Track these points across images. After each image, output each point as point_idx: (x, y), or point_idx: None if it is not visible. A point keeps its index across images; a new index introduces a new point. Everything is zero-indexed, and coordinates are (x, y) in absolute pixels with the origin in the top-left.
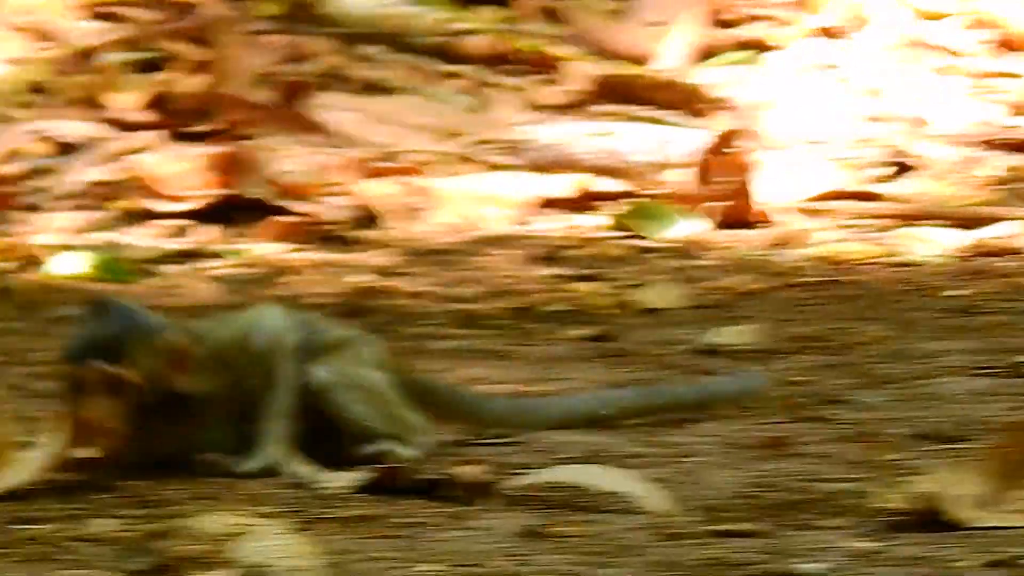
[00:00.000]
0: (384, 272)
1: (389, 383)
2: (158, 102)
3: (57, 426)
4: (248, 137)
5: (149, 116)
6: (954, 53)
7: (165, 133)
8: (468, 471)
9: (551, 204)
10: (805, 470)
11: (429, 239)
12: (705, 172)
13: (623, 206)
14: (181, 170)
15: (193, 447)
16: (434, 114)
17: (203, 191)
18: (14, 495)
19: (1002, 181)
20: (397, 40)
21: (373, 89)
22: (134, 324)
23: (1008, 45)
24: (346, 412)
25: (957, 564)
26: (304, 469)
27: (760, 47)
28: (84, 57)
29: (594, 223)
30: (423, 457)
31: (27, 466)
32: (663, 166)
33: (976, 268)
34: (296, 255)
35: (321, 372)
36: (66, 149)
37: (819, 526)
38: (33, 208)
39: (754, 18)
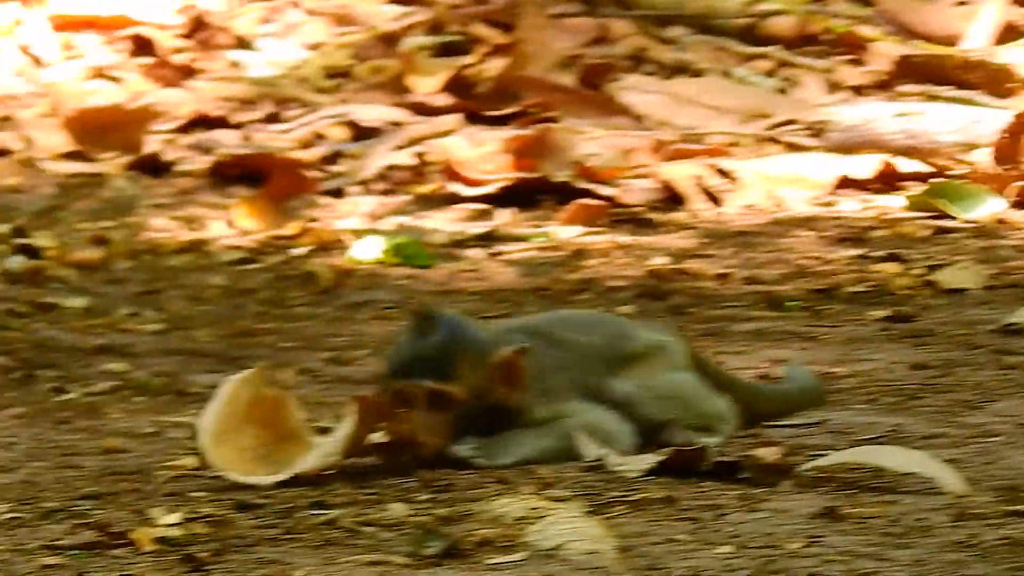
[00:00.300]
0: (687, 254)
1: (694, 382)
2: (460, 85)
3: (352, 412)
4: (551, 120)
5: (450, 100)
6: None
7: (467, 116)
8: (764, 453)
9: (855, 185)
10: None
11: (732, 221)
12: (1005, 152)
13: (926, 187)
14: (483, 153)
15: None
16: (738, 96)
17: (505, 174)
18: (310, 480)
19: None
20: (701, 22)
21: (677, 71)
22: (463, 339)
23: None
24: (652, 420)
25: None
26: (599, 451)
27: None
28: (385, 41)
29: (897, 204)
30: (723, 443)
31: (322, 451)
32: (970, 146)
33: None
34: (599, 238)
35: (625, 386)
36: (368, 133)
37: None
38: (335, 193)
39: None
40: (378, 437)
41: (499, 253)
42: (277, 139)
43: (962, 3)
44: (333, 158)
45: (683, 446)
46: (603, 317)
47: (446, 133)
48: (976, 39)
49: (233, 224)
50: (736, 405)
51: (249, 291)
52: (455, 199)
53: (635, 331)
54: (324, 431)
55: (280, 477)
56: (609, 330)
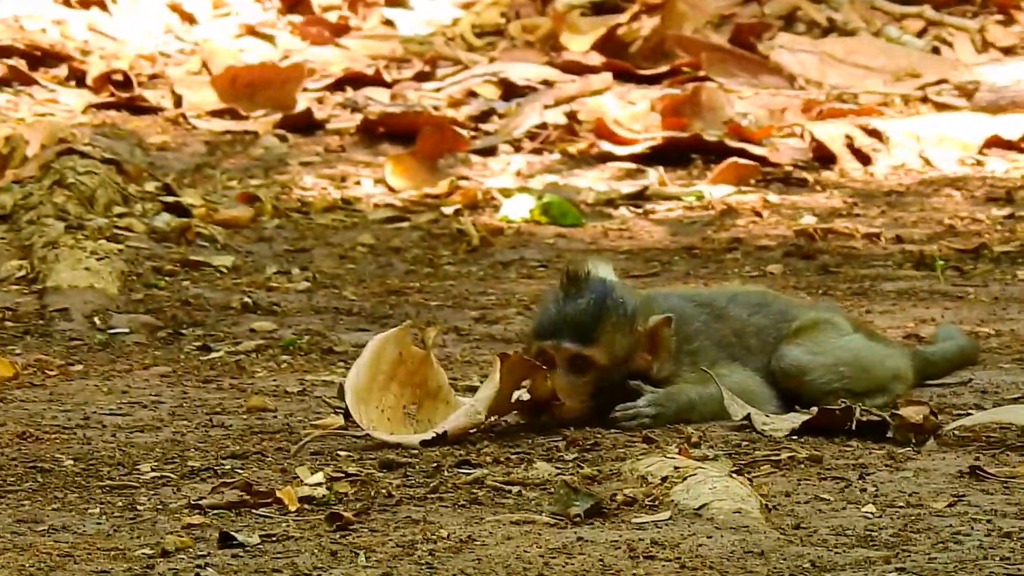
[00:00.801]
0: (836, 214)
1: (866, 344)
2: (611, 44)
3: (496, 370)
4: (702, 79)
5: (602, 58)
6: None
7: (618, 75)
8: (911, 412)
9: (1004, 145)
10: None
11: (882, 180)
12: None
13: None
14: (634, 112)
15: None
16: (889, 55)
17: (656, 133)
18: (456, 439)
19: None
20: None
21: (829, 30)
22: (609, 304)
23: None
24: (822, 389)
25: None
26: (746, 410)
27: None
28: (538, 0)
29: None
30: (888, 403)
31: (468, 410)
32: None
33: None
34: (748, 197)
35: (794, 352)
36: (519, 92)
37: None
38: (486, 151)
39: None
40: (521, 395)
41: (649, 212)
42: (428, 97)
43: None
44: (484, 116)
45: (832, 407)
46: (772, 298)
47: (597, 92)
48: None
49: (383, 182)
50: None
51: (398, 249)
52: (606, 158)
53: (802, 311)
54: (472, 389)
55: (426, 436)
56: (775, 310)
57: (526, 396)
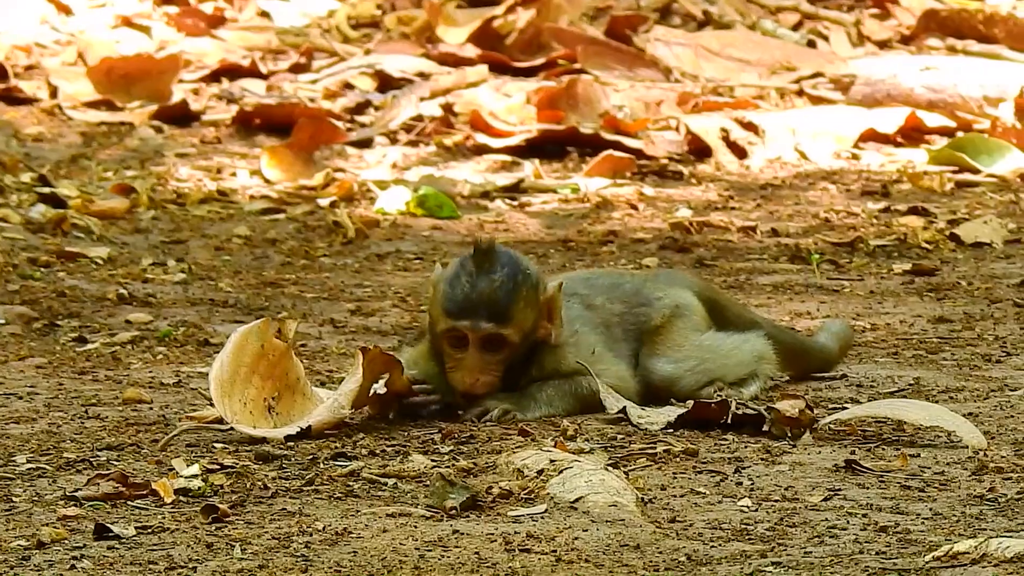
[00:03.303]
0: (711, 207)
1: (720, 338)
2: (487, 36)
3: (358, 364)
4: (579, 71)
5: (478, 50)
6: None
7: (494, 67)
8: (787, 406)
9: (879, 138)
10: None
11: (758, 174)
12: None
13: (951, 141)
14: (509, 105)
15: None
16: (765, 49)
17: (532, 126)
18: (322, 433)
19: None
20: None
21: (706, 23)
22: (521, 279)
23: None
24: (695, 393)
25: None
26: (622, 403)
27: None
28: None
29: (921, 158)
30: (757, 394)
31: (332, 404)
32: (994, 101)
33: None
34: (624, 190)
35: (662, 367)
36: (395, 84)
37: None
38: (362, 143)
39: None
40: (377, 389)
41: (524, 204)
42: (304, 89)
43: None
44: (360, 108)
45: (706, 399)
46: (624, 280)
47: (473, 84)
48: None
49: (259, 174)
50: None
51: (274, 241)
52: (481, 150)
53: (653, 295)
54: (341, 381)
55: (290, 431)
56: (629, 296)
57: (382, 390)
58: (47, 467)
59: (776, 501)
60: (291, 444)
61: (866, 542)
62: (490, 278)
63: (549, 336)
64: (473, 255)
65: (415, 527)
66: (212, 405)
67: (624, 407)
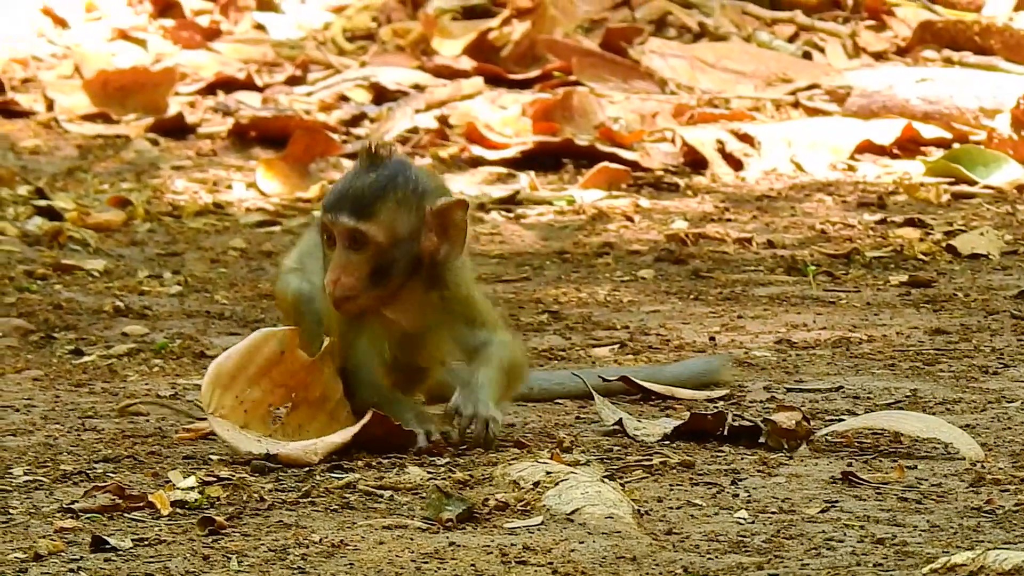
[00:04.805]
0: (707, 218)
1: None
2: (482, 49)
3: (364, 425)
4: (575, 83)
5: (473, 63)
6: None
7: (489, 80)
8: (784, 417)
9: (875, 150)
10: None
11: (754, 185)
12: (1021, 120)
13: (947, 152)
14: (505, 117)
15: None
16: (760, 60)
17: (527, 138)
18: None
19: None
20: None
21: (701, 35)
22: (396, 180)
23: None
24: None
25: None
26: (618, 415)
27: None
28: (408, 4)
29: (917, 169)
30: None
31: (308, 447)
32: (990, 112)
33: None
34: (620, 202)
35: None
36: (390, 96)
37: None
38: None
39: None
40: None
41: (520, 216)
42: (300, 101)
43: None
44: (355, 121)
45: (702, 411)
46: None
47: (468, 96)
48: (997, 5)
49: (254, 186)
50: None
51: (269, 253)
52: (477, 162)
53: None
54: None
55: (254, 448)
56: None
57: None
58: (44, 479)
59: (773, 513)
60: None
61: (863, 554)
62: (366, 176)
63: (437, 253)
64: (359, 154)
65: (411, 539)
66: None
67: (620, 419)
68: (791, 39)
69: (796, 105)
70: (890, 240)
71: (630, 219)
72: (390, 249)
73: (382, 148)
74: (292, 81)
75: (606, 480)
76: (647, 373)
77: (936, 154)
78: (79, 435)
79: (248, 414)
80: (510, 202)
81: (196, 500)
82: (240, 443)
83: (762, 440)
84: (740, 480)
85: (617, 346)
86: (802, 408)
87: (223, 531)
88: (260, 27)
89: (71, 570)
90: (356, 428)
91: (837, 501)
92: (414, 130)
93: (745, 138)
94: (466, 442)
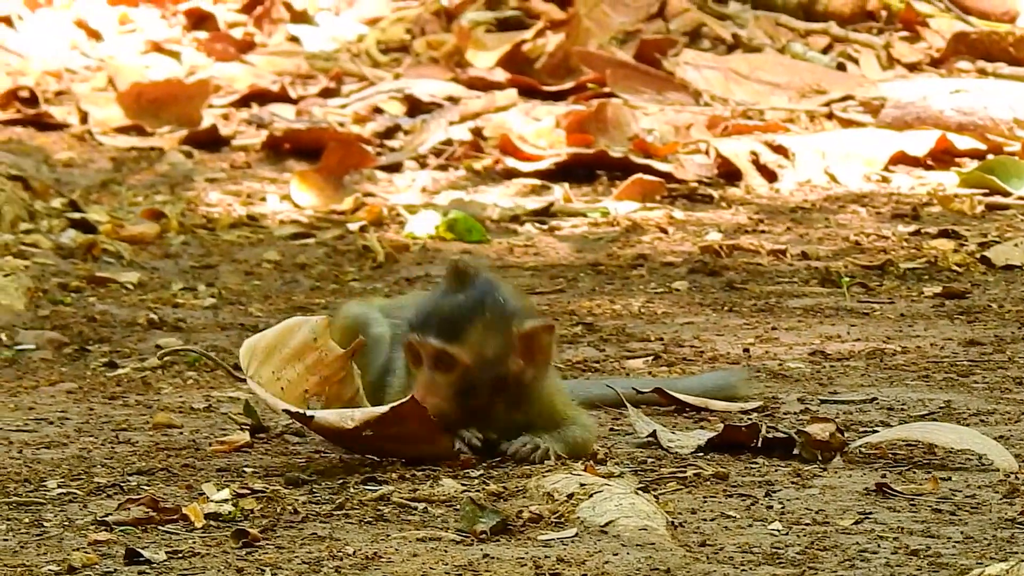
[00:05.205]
0: (741, 230)
1: None
2: (516, 60)
3: (400, 408)
4: (609, 95)
5: (507, 74)
6: None
7: (523, 92)
8: (818, 429)
9: (909, 161)
10: None
11: (788, 197)
12: None
13: (981, 163)
14: (539, 128)
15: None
16: (795, 72)
17: (561, 149)
18: (323, 431)
19: None
20: None
21: (735, 47)
22: (484, 303)
23: None
24: None
25: None
26: (652, 427)
27: None
28: (442, 16)
29: (951, 180)
30: None
31: (344, 414)
32: None
33: None
34: (654, 213)
35: None
36: (424, 108)
37: None
38: (391, 167)
39: None
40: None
41: (554, 228)
42: (334, 113)
43: None
44: (389, 133)
45: (736, 423)
46: None
47: (503, 108)
48: None
49: (288, 199)
50: None
51: (303, 266)
52: (511, 174)
53: None
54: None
55: (293, 409)
56: None
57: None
58: (78, 492)
59: (807, 525)
60: (322, 469)
61: (897, 566)
62: (454, 297)
63: (524, 375)
64: (446, 275)
65: (445, 551)
66: (244, 429)
67: (654, 430)
68: (825, 50)
69: (830, 116)
70: (924, 251)
71: (664, 231)
72: (477, 371)
73: (469, 268)
74: (326, 93)
75: (640, 492)
76: (664, 385)
77: (970, 165)
78: (113, 448)
79: (285, 392)
80: (544, 214)
81: (230, 512)
82: (278, 404)
83: (796, 452)
84: (774, 492)
85: (651, 358)
86: (836, 420)
87: (257, 544)
88: (294, 39)
89: None
90: (396, 403)
91: (871, 513)
92: (448, 142)
93: (779, 150)
94: (516, 458)
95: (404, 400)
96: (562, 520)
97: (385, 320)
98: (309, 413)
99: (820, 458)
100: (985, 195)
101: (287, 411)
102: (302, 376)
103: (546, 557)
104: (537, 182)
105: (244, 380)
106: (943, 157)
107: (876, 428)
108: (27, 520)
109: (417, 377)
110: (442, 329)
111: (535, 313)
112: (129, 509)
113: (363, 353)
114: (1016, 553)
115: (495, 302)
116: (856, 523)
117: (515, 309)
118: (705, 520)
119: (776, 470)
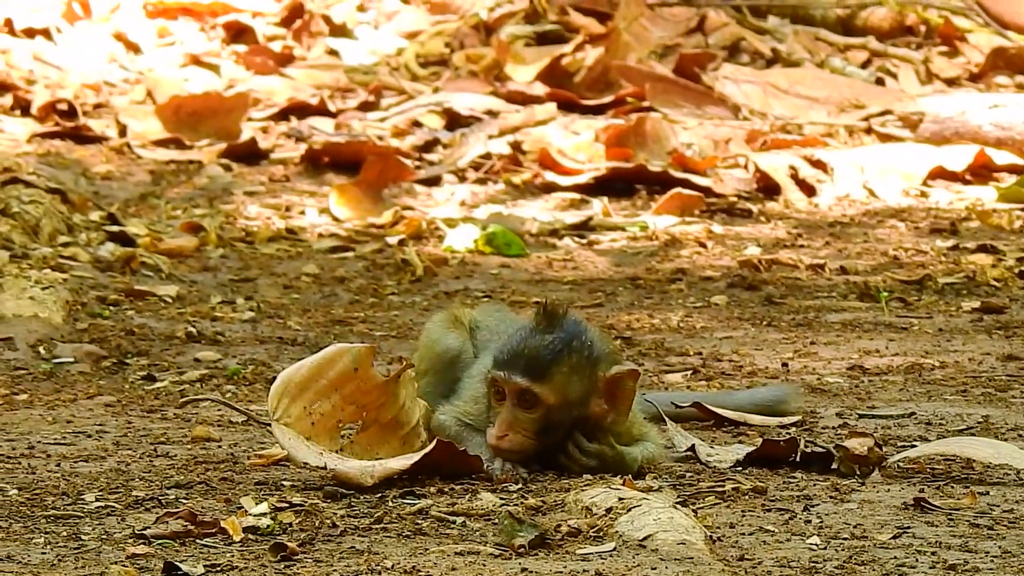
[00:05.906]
0: (780, 244)
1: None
2: (556, 74)
3: (431, 453)
4: (648, 109)
5: (546, 88)
6: None
7: (562, 106)
8: (856, 443)
9: (948, 176)
10: None
11: (827, 211)
12: None
13: (1020, 178)
14: (578, 142)
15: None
16: (833, 86)
17: (600, 163)
18: (342, 482)
19: None
20: (798, 12)
21: (774, 61)
22: (571, 345)
23: None
24: None
25: None
26: (690, 441)
27: None
28: (482, 30)
29: (990, 195)
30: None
31: (366, 468)
32: None
33: None
34: (693, 228)
35: None
36: (463, 122)
37: None
38: (430, 181)
39: None
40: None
41: (593, 242)
42: (373, 127)
43: None
44: (428, 146)
45: (774, 438)
46: None
47: (542, 122)
48: None
49: (327, 212)
50: None
51: (342, 279)
52: (550, 188)
53: None
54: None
55: (314, 461)
56: None
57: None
58: (116, 505)
59: (845, 539)
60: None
61: None
62: (542, 337)
63: (605, 418)
64: (536, 314)
65: (484, 565)
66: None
67: (693, 444)
68: (864, 65)
69: (869, 131)
70: (962, 266)
71: (703, 245)
72: (559, 411)
73: (559, 308)
74: (365, 107)
75: (679, 506)
76: (713, 399)
77: (1009, 180)
78: (151, 461)
79: (316, 426)
80: (583, 228)
81: (268, 526)
82: (298, 452)
83: (834, 466)
84: (812, 506)
85: (690, 372)
86: (874, 434)
87: (295, 557)
88: (333, 53)
89: None
90: (417, 456)
91: (909, 527)
92: (487, 156)
93: (818, 164)
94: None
95: (427, 450)
96: (601, 534)
97: (470, 345)
98: (329, 465)
99: (858, 473)
100: (1023, 210)
101: (306, 463)
102: (337, 407)
103: (584, 571)
104: (576, 196)
105: (268, 425)
106: (981, 172)
107: (914, 443)
108: (65, 534)
109: (500, 412)
110: (528, 368)
111: (620, 358)
112: (167, 523)
113: (443, 382)
114: None
115: (582, 345)
116: (894, 537)
117: (601, 353)
118: (743, 534)
119: (814, 484)
